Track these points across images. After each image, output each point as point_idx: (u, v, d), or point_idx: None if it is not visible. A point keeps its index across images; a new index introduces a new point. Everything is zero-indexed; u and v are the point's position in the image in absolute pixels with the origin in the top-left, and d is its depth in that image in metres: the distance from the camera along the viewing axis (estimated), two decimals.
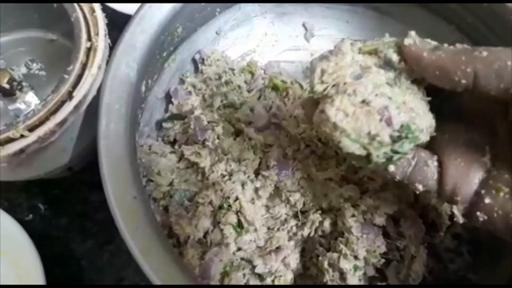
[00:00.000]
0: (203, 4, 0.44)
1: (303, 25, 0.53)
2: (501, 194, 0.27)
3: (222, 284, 0.37)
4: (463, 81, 0.24)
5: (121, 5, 0.52)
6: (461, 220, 0.28)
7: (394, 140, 0.28)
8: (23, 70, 0.45)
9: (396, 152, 0.28)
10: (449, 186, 0.28)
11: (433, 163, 0.29)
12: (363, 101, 0.28)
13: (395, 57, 0.28)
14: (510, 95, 0.24)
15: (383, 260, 0.38)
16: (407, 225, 0.39)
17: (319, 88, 0.29)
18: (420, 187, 0.30)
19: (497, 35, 0.43)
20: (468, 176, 0.28)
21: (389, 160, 0.29)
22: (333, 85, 0.28)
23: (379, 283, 0.39)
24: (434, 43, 0.27)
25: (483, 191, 0.27)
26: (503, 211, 0.26)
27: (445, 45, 0.26)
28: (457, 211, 0.28)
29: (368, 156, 0.28)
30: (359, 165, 0.34)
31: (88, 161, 0.46)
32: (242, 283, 0.38)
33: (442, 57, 0.25)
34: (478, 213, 0.27)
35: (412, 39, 0.27)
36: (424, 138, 0.29)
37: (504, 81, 0.23)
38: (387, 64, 0.29)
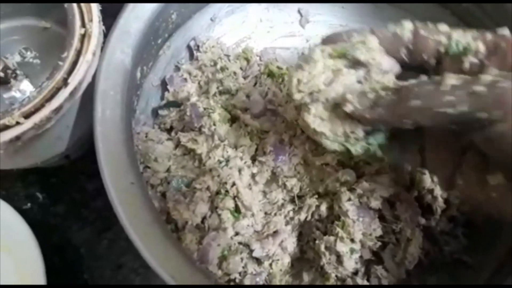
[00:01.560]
0: None
1: (298, 11, 0.53)
2: (470, 178, 0.28)
3: (225, 284, 0.37)
4: (410, 125, 0.27)
5: None
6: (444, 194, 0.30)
7: (369, 133, 0.30)
8: (17, 58, 0.44)
9: (372, 144, 0.31)
10: (430, 169, 0.31)
11: (416, 147, 0.32)
12: (336, 105, 0.30)
13: (362, 57, 0.30)
14: None
15: (379, 243, 0.38)
16: (403, 208, 0.39)
17: (297, 96, 0.32)
18: (409, 168, 0.33)
19: (492, 19, 0.43)
20: (445, 160, 0.30)
21: (368, 151, 0.31)
22: (310, 93, 0.31)
23: (375, 266, 0.39)
24: (371, 96, 0.28)
25: (457, 174, 0.29)
26: (471, 194, 0.28)
27: (381, 92, 0.28)
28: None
29: (348, 151, 0.31)
30: (343, 158, 0.39)
31: (85, 149, 0.46)
32: (240, 267, 0.38)
33: (383, 114, 0.27)
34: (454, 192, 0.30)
35: (350, 104, 0.29)
36: None
37: (443, 122, 0.25)
38: (356, 64, 0.31)
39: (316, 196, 0.40)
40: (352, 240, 0.38)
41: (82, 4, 0.37)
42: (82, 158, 0.47)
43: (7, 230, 0.43)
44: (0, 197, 0.45)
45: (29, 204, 0.49)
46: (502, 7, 0.41)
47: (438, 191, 0.40)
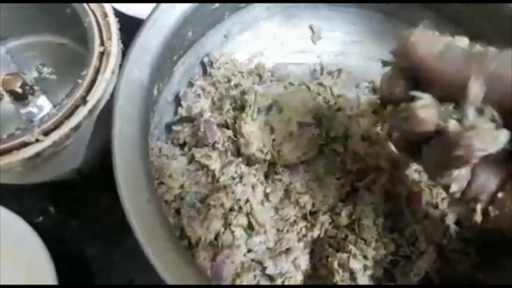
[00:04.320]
0: (213, 7, 0.44)
1: (310, 27, 0.53)
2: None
3: (235, 284, 0.37)
4: None
5: (129, 8, 0.53)
6: (479, 217, 0.28)
7: None
8: (34, 74, 0.45)
9: None
10: (475, 188, 0.28)
11: None
12: None
13: None
14: None
15: (390, 257, 0.39)
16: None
17: None
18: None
19: (504, 37, 0.43)
20: (492, 177, 0.27)
21: None
22: None
23: (387, 284, 0.39)
24: None
25: (500, 187, 0.27)
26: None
27: None
28: (478, 209, 0.28)
29: None
30: None
31: (97, 163, 0.46)
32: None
33: None
34: (490, 207, 0.27)
35: None
36: None
37: None
38: None
39: (329, 213, 0.40)
40: (365, 257, 0.38)
41: (101, 22, 0.37)
42: (94, 171, 0.47)
43: (19, 243, 0.44)
44: (13, 210, 0.45)
45: (41, 218, 0.49)
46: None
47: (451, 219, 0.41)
